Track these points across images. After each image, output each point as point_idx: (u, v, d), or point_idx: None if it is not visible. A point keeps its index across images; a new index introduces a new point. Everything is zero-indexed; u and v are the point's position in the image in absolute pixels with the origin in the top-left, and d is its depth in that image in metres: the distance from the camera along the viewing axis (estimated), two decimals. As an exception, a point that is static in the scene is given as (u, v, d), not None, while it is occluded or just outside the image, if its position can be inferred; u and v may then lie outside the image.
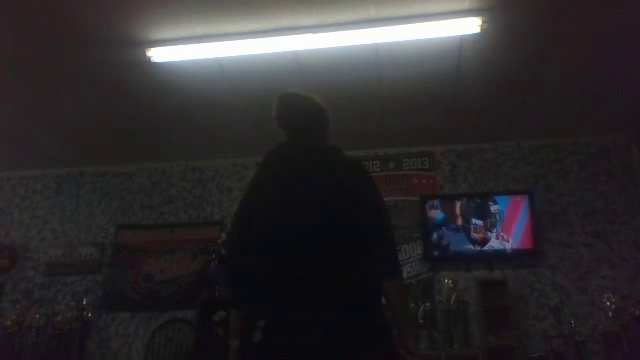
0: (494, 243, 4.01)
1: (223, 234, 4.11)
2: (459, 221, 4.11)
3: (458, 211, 4.14)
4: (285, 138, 1.68)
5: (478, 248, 4.02)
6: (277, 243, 1.46)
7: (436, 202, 4.22)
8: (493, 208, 4.09)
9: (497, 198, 4.13)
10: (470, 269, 4.06)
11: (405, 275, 4.12)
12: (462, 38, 3.10)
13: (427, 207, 4.20)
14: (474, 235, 4.05)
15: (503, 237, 4.01)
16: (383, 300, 1.47)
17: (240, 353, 1.50)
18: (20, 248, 4.79)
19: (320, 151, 1.62)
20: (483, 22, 2.91)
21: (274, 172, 1.61)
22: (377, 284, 1.45)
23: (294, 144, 1.65)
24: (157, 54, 3.22)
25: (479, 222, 4.07)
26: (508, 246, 3.99)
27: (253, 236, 1.52)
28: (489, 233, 4.03)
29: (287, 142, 1.66)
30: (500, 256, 4.00)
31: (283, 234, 1.46)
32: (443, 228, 4.12)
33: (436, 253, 4.09)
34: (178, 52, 3.20)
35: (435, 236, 4.11)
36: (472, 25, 2.94)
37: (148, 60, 3.25)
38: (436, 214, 4.17)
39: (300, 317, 1.36)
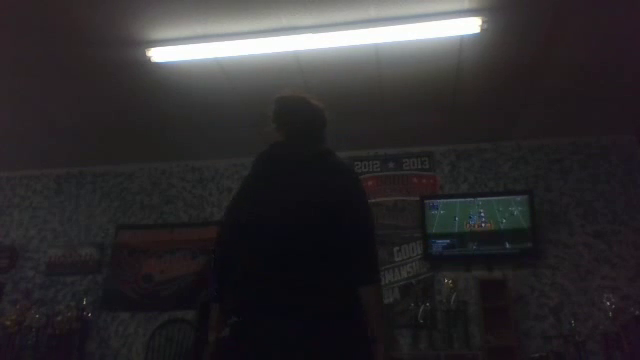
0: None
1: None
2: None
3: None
4: (281, 140, 1.68)
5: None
6: (259, 243, 1.47)
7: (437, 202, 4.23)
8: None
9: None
10: (470, 269, 4.06)
11: (405, 275, 4.13)
12: (462, 38, 3.10)
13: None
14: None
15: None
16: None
17: (213, 348, 1.54)
18: (20, 248, 4.79)
19: (309, 152, 1.62)
20: (483, 22, 2.91)
21: (262, 172, 1.63)
22: (355, 289, 1.44)
23: (285, 145, 1.65)
24: (157, 54, 3.22)
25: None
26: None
27: (238, 235, 1.54)
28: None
29: (279, 142, 1.67)
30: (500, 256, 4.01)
31: (265, 234, 1.47)
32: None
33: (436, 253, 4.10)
34: (178, 52, 3.20)
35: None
36: (472, 25, 2.94)
37: (148, 60, 3.25)
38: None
39: (271, 317, 1.36)
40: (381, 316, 1.50)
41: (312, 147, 1.64)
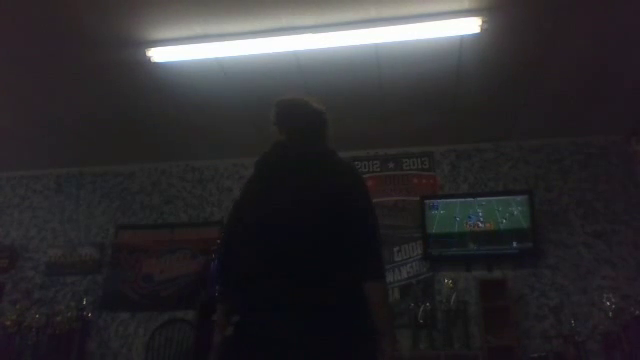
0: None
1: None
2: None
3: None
4: (283, 140, 1.69)
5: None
6: (261, 242, 1.47)
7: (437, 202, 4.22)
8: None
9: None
10: (470, 269, 4.06)
11: (405, 275, 4.12)
12: (462, 38, 3.10)
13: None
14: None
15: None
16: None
17: (218, 347, 1.56)
18: (20, 248, 4.79)
19: (312, 152, 1.62)
20: (483, 22, 2.92)
21: (264, 172, 1.64)
22: (359, 286, 1.43)
23: (288, 145, 1.66)
24: (157, 54, 3.22)
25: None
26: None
27: (241, 235, 1.55)
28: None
29: (281, 142, 1.67)
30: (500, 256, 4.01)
31: (267, 234, 1.47)
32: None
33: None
34: (178, 52, 3.21)
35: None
36: (472, 25, 2.94)
37: (148, 60, 3.25)
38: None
39: (274, 316, 1.36)
40: (387, 314, 1.49)
41: (314, 147, 1.65)
